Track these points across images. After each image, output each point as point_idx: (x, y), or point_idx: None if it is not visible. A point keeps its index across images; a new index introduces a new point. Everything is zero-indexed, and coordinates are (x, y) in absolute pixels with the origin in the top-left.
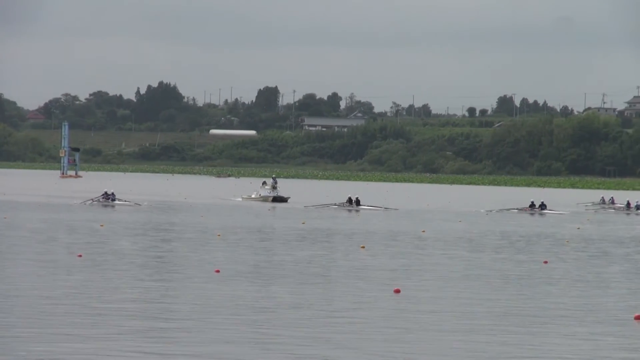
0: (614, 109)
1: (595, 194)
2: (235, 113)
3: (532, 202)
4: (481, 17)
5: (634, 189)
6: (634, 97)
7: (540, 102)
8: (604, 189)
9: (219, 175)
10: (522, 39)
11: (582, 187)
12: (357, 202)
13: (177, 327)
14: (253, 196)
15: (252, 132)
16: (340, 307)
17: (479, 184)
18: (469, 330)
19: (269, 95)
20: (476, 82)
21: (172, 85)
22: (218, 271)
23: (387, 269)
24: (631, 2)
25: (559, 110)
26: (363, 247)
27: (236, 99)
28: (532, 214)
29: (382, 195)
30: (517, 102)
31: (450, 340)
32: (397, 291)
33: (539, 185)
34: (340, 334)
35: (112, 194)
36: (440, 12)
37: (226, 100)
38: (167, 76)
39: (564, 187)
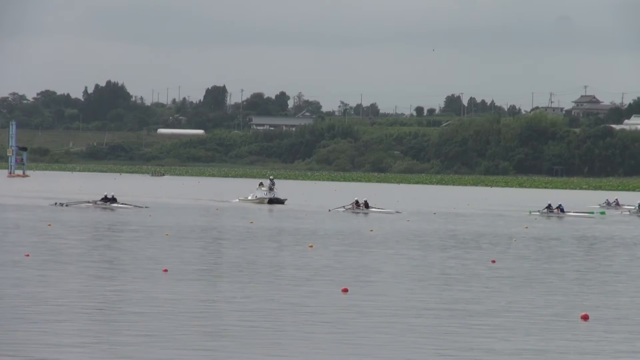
0: (562, 109)
1: (584, 195)
2: (183, 112)
3: (549, 205)
4: (429, 17)
5: (580, 189)
6: (581, 96)
7: (488, 102)
8: (552, 188)
9: (153, 174)
10: (469, 39)
11: (530, 187)
12: (366, 205)
13: (121, 327)
14: (249, 198)
15: (200, 132)
16: (287, 306)
17: (426, 183)
18: (416, 329)
19: (216, 94)
20: (424, 82)
21: (120, 85)
22: (166, 270)
23: (336, 268)
24: (576, 3)
25: (506, 109)
26: (311, 246)
27: (184, 99)
28: (549, 216)
29: (331, 194)
30: (465, 102)
31: (397, 339)
32: (345, 290)
33: (487, 185)
34: (287, 334)
35: (113, 197)
36: (388, 12)
37: (174, 100)
38: (115, 75)
39: (512, 187)
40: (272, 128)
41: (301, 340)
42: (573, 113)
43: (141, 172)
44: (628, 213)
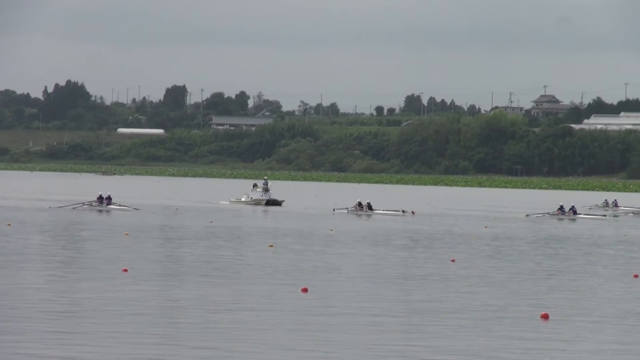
0: (521, 108)
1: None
2: (143, 112)
3: (562, 206)
4: (389, 17)
5: (540, 188)
6: (541, 95)
7: (448, 101)
8: (511, 187)
9: (104, 173)
10: (429, 39)
11: (490, 186)
12: (369, 207)
13: (80, 327)
14: (243, 199)
15: (160, 131)
16: (247, 306)
17: (386, 183)
18: (375, 328)
19: (176, 94)
20: (384, 81)
21: (80, 84)
22: (126, 270)
23: (295, 268)
24: (536, 3)
25: (466, 109)
26: (271, 245)
27: (144, 98)
28: (561, 219)
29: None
30: (425, 101)
31: (357, 338)
32: (305, 290)
33: (447, 184)
34: (247, 333)
35: (108, 197)
36: (348, 11)
37: (134, 99)
38: (75, 75)
39: (472, 186)
40: (232, 128)
41: (261, 339)
42: (533, 113)
43: (93, 172)
44: (632, 215)
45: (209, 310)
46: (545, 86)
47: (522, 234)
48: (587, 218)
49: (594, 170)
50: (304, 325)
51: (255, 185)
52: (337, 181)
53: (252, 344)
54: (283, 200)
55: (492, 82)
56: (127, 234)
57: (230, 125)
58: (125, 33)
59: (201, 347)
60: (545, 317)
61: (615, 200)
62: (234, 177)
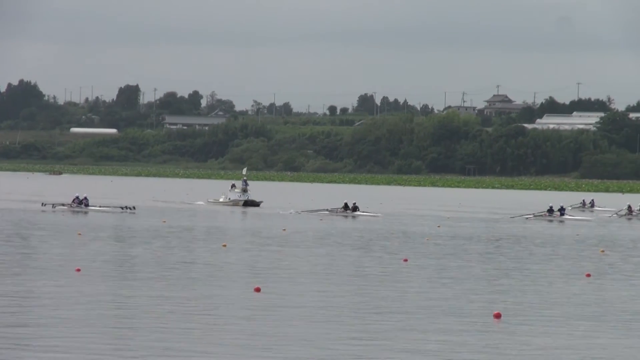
0: (474, 108)
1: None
2: (96, 111)
3: (551, 207)
4: (342, 16)
5: (493, 188)
6: (494, 95)
7: (401, 101)
8: (464, 187)
9: (51, 172)
10: (382, 38)
11: (442, 186)
12: (355, 209)
13: (31, 328)
14: (221, 200)
15: (113, 131)
16: (200, 306)
17: (339, 183)
18: (328, 327)
19: (129, 93)
20: (337, 81)
21: (32, 84)
22: (79, 270)
23: (249, 267)
24: (489, 3)
25: (419, 108)
26: (225, 245)
27: (97, 98)
28: (550, 220)
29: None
30: (378, 101)
31: (309, 337)
32: (258, 290)
33: (400, 184)
34: (201, 335)
35: (85, 198)
36: (301, 11)
37: (87, 99)
38: (28, 74)
39: (425, 186)
40: (185, 127)
41: (214, 339)
42: (485, 112)
43: (41, 171)
44: (616, 216)
45: (161, 309)
46: (498, 86)
47: (475, 233)
48: (573, 219)
49: (546, 170)
50: (257, 325)
51: (233, 186)
52: (290, 181)
53: (204, 343)
54: (261, 201)
55: (445, 82)
56: (79, 234)
57: (183, 124)
58: (78, 32)
59: (152, 346)
60: (498, 316)
61: (592, 200)
62: (187, 177)
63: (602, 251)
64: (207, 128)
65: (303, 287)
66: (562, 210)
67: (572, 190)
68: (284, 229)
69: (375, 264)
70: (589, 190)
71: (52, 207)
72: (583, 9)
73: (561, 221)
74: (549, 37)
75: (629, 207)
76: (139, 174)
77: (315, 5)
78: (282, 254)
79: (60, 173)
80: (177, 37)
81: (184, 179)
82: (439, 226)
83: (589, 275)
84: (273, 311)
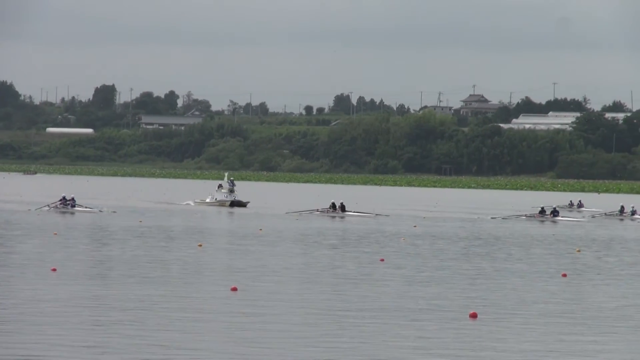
0: (450, 108)
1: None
2: (72, 111)
3: (543, 208)
4: (318, 16)
5: (469, 187)
6: (470, 95)
7: (377, 101)
8: (440, 187)
9: (25, 172)
10: (358, 38)
11: (419, 186)
12: (342, 208)
13: (5, 327)
14: (208, 200)
15: (89, 131)
16: (176, 306)
17: (315, 182)
18: (304, 326)
19: (106, 93)
20: (313, 81)
21: (8, 84)
22: (55, 270)
23: (225, 267)
24: (465, 3)
25: (395, 108)
26: (200, 245)
27: (73, 97)
28: (542, 221)
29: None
30: (354, 101)
31: (286, 337)
32: (234, 289)
33: (376, 184)
34: (178, 334)
35: (72, 199)
36: (277, 11)
37: (63, 99)
38: (3, 74)
39: (401, 186)
40: (161, 127)
41: (191, 338)
42: (462, 112)
43: (17, 171)
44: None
45: (137, 309)
46: (474, 86)
47: (452, 233)
48: (567, 220)
49: (522, 170)
50: (235, 324)
51: (220, 186)
52: (266, 180)
53: (181, 342)
54: (248, 202)
55: (421, 82)
56: (55, 234)
57: (160, 124)
58: (54, 32)
59: (129, 345)
60: (474, 316)
61: (579, 200)
62: (164, 177)
63: (578, 250)
64: (183, 128)
65: (278, 286)
66: (555, 213)
67: (548, 190)
68: (260, 229)
69: (352, 264)
70: (564, 190)
71: (38, 209)
72: (560, 9)
73: (554, 222)
74: (525, 37)
75: (622, 207)
76: (115, 174)
77: (291, 6)
78: (259, 253)
79: (34, 173)
80: (153, 36)
81: (162, 179)
82: (415, 226)
83: (564, 275)
84: (249, 310)
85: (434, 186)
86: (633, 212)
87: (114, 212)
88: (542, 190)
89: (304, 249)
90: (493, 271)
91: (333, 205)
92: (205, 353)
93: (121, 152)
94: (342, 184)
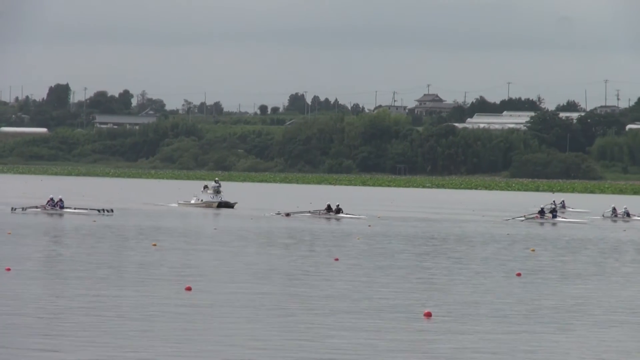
0: (405, 107)
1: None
2: (26, 110)
3: (542, 209)
4: (273, 16)
5: (424, 187)
6: (424, 95)
7: (332, 100)
8: (395, 186)
9: None
10: (313, 38)
11: (373, 185)
12: (338, 211)
13: None
14: (193, 202)
15: (43, 130)
16: (130, 306)
17: (270, 182)
18: (257, 325)
19: (60, 92)
20: (268, 80)
21: None
22: (9, 269)
23: (180, 266)
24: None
25: (350, 108)
26: (155, 244)
27: (27, 97)
28: (542, 222)
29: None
30: (309, 100)
31: (241, 335)
32: (189, 289)
33: (330, 183)
34: (131, 332)
35: (60, 200)
36: (232, 10)
37: (17, 98)
38: None
39: (355, 185)
40: (115, 126)
41: (145, 338)
42: (416, 112)
43: None
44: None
45: (91, 308)
46: (428, 85)
47: (406, 232)
48: (566, 222)
49: (477, 169)
50: (188, 324)
51: (205, 187)
52: (221, 180)
53: (136, 341)
54: (235, 203)
55: (375, 81)
56: (9, 233)
57: (114, 124)
58: (7, 31)
59: (82, 344)
60: (428, 315)
61: (562, 201)
62: (118, 177)
63: (533, 250)
64: (137, 127)
65: (233, 285)
66: (553, 212)
67: (502, 190)
68: (215, 228)
69: (306, 263)
70: (519, 190)
71: (23, 209)
72: (513, 9)
73: (554, 224)
74: (479, 36)
75: (614, 209)
76: (69, 174)
77: (246, 5)
78: (213, 252)
79: None
80: (107, 35)
81: (116, 179)
82: (369, 225)
83: (519, 274)
84: (204, 309)
85: (389, 186)
86: (627, 214)
87: (110, 213)
88: (497, 189)
89: (259, 248)
90: (448, 270)
91: (328, 208)
92: (162, 351)
93: (75, 152)
94: (297, 183)
